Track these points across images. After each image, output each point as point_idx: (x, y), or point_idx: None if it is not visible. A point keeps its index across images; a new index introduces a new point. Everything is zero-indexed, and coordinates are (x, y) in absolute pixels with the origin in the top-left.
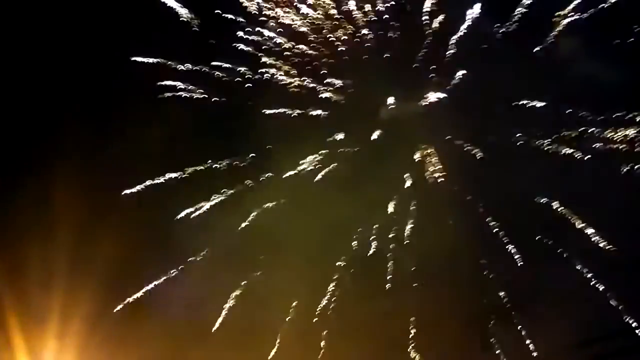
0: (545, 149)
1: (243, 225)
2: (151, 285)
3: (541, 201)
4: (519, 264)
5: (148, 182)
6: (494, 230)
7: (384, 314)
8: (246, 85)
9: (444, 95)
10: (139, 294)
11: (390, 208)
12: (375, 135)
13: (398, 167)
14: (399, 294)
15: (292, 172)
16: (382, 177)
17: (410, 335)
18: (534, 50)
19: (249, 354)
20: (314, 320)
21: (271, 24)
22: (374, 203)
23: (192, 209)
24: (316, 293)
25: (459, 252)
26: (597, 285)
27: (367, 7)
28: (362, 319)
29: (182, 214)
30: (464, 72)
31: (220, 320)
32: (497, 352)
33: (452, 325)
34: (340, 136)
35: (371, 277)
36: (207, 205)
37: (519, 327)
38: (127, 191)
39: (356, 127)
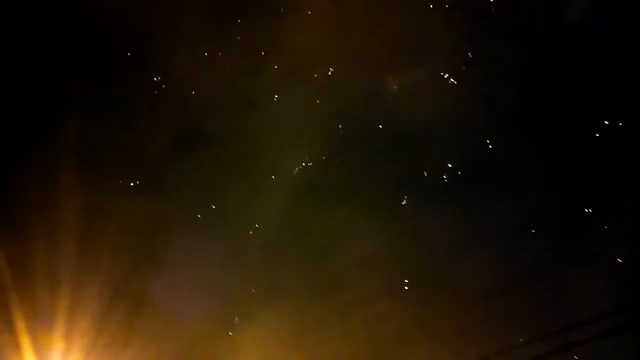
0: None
1: (256, 225)
2: (158, 284)
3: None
4: None
5: (154, 176)
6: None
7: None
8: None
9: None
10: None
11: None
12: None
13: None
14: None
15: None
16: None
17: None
18: None
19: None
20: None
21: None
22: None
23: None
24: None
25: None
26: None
27: None
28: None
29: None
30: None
31: (236, 320)
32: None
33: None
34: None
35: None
36: (214, 205)
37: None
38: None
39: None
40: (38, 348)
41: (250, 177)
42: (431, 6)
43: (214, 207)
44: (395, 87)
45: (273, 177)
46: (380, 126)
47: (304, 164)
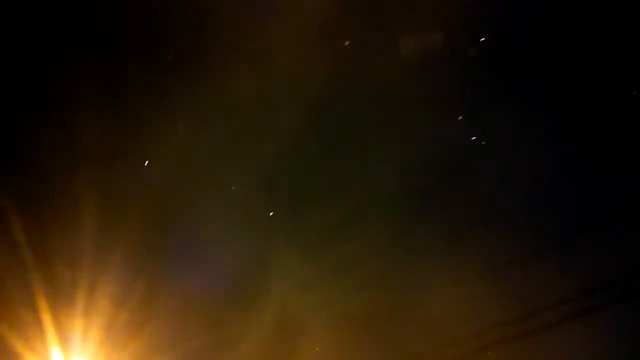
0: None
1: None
2: (179, 260)
3: None
4: None
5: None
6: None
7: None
8: None
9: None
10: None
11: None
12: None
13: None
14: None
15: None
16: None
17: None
18: None
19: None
20: None
21: None
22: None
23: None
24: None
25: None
26: None
27: None
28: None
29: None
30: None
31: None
32: None
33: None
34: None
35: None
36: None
37: None
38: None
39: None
40: (59, 324)
41: (268, 154)
42: None
43: (233, 187)
44: (413, 59)
45: (289, 152)
46: (396, 92)
47: (317, 136)
